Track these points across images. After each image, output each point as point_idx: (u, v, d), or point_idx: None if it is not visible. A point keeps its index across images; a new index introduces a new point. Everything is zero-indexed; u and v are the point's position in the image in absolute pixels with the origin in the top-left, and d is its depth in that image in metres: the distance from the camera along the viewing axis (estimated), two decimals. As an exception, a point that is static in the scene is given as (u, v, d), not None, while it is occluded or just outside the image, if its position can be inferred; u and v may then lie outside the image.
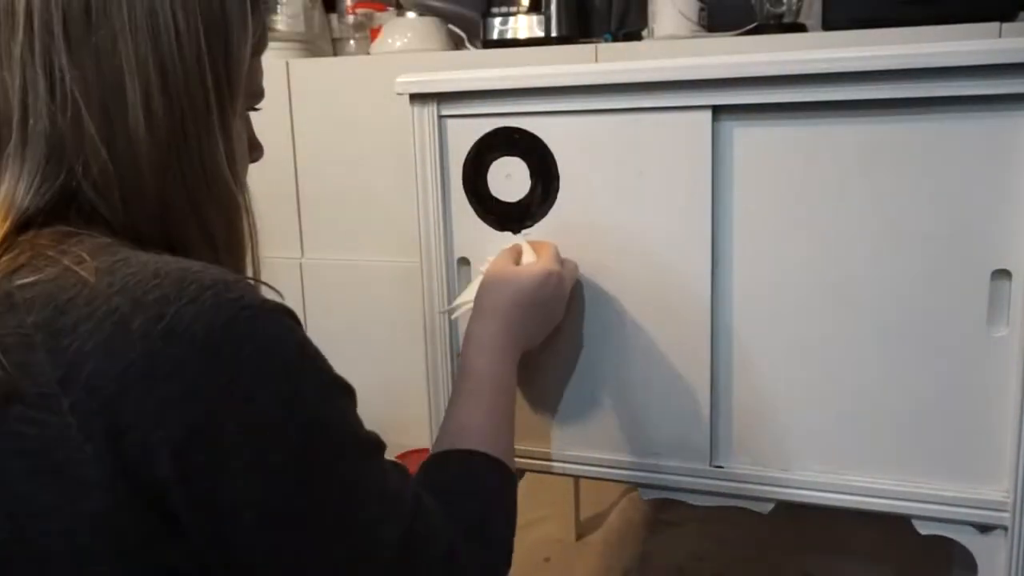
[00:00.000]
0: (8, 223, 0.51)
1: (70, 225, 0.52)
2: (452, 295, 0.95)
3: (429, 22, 1.68)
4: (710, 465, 0.88)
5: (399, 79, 0.91)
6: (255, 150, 0.66)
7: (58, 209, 0.52)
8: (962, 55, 0.71)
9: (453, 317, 0.92)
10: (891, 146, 0.76)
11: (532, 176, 0.89)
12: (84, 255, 0.49)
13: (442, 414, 0.96)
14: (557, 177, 0.88)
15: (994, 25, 1.23)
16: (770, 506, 0.87)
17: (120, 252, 0.50)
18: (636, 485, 0.92)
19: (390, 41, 1.69)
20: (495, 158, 0.90)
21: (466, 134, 0.91)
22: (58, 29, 0.51)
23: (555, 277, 0.79)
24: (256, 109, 0.65)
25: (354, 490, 0.52)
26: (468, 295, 0.84)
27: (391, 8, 1.83)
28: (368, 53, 1.77)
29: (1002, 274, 0.76)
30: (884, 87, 0.74)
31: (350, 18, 1.87)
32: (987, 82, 0.72)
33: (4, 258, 0.49)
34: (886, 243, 0.78)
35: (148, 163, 0.52)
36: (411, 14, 1.71)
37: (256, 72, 0.62)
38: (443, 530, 0.58)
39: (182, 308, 0.46)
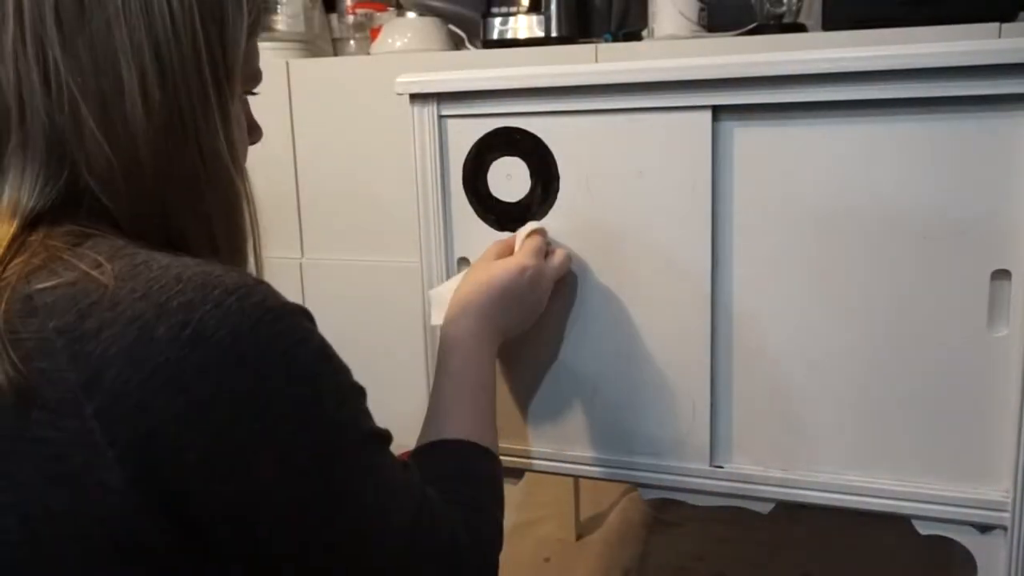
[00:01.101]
0: (16, 223, 0.50)
1: (79, 223, 0.51)
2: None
3: (429, 22, 1.69)
4: (710, 465, 0.88)
5: (399, 79, 0.91)
6: (254, 132, 0.66)
7: (66, 206, 0.51)
8: (962, 55, 0.71)
9: (428, 305, 0.92)
10: (891, 146, 0.76)
11: (532, 176, 0.89)
12: (101, 259, 0.48)
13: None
14: (557, 177, 0.88)
15: (994, 25, 1.23)
16: (770, 506, 0.87)
17: (138, 255, 0.49)
18: (636, 485, 0.92)
19: (390, 41, 1.69)
20: (495, 158, 0.90)
21: (466, 134, 0.91)
22: (50, 18, 0.49)
23: (530, 271, 0.80)
24: (254, 93, 0.64)
25: (368, 484, 0.54)
26: (450, 285, 0.85)
27: (391, 8, 1.83)
28: (368, 53, 1.77)
29: (1002, 274, 0.76)
30: (884, 87, 0.74)
31: (350, 18, 1.87)
32: (987, 82, 0.72)
33: (17, 260, 0.48)
34: (886, 243, 0.78)
35: (147, 151, 0.51)
36: (411, 14, 1.71)
37: (253, 54, 0.61)
38: (445, 517, 0.60)
39: (207, 313, 0.46)
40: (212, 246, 0.55)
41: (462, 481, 0.67)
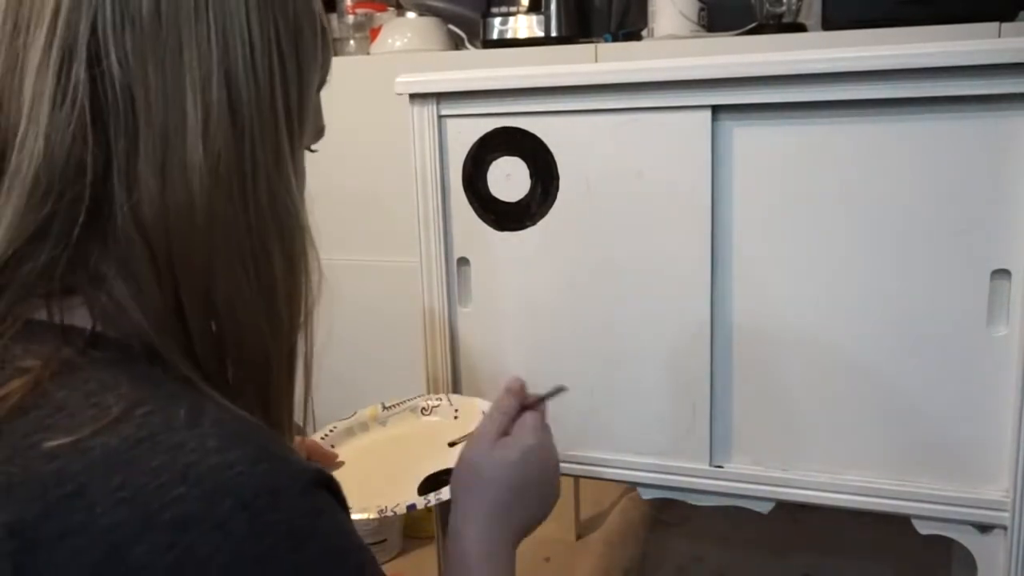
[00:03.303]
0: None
1: (81, 277, 0.42)
2: (451, 295, 0.95)
3: (429, 22, 1.68)
4: (710, 465, 0.88)
5: (399, 79, 0.91)
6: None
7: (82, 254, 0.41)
8: (962, 55, 0.71)
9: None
10: (891, 146, 0.76)
11: (532, 176, 0.89)
12: (112, 408, 0.38)
13: (442, 414, 0.96)
14: (557, 177, 0.88)
15: (994, 25, 1.23)
16: (770, 506, 0.87)
17: (150, 418, 0.38)
18: (636, 485, 0.92)
19: (390, 41, 1.69)
20: (495, 158, 0.90)
21: (466, 134, 0.91)
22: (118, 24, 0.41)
23: (534, 453, 0.66)
24: (313, 151, 0.55)
25: None
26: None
27: (391, 8, 1.83)
28: (368, 53, 1.77)
29: (1002, 274, 0.76)
30: (884, 87, 0.74)
31: (350, 18, 1.87)
32: (987, 82, 0.72)
33: None
34: (886, 243, 0.78)
35: (204, 199, 0.42)
36: (411, 14, 1.71)
37: (319, 106, 0.55)
38: None
39: (203, 535, 0.35)
40: (266, 308, 0.47)
41: None
